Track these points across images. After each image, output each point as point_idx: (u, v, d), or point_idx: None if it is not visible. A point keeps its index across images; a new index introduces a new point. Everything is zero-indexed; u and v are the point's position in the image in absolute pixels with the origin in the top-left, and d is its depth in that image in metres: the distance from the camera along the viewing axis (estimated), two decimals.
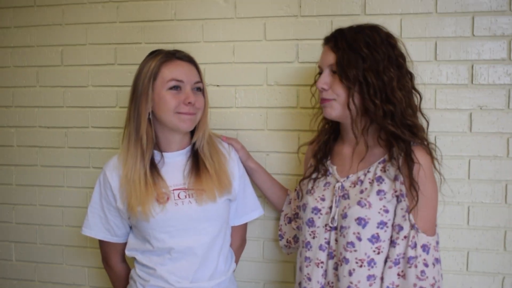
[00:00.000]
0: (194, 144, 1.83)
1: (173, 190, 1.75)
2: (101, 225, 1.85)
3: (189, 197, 1.75)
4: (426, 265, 1.52)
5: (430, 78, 2.01)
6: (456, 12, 1.98)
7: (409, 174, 1.54)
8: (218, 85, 2.19)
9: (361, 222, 1.56)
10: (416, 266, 1.52)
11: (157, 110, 1.72)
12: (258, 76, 2.16)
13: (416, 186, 1.52)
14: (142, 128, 1.71)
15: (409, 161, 1.54)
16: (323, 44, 1.71)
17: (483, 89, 1.98)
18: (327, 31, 2.01)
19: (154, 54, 1.77)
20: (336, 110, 1.63)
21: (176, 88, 1.71)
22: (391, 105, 1.56)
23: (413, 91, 1.65)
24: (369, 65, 1.55)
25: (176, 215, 1.72)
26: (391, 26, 1.95)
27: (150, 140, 1.74)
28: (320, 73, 1.71)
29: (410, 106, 1.60)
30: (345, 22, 1.95)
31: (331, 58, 1.62)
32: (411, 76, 1.65)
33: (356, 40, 1.58)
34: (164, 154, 1.80)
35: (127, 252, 1.86)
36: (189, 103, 1.70)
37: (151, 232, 1.73)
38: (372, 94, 1.56)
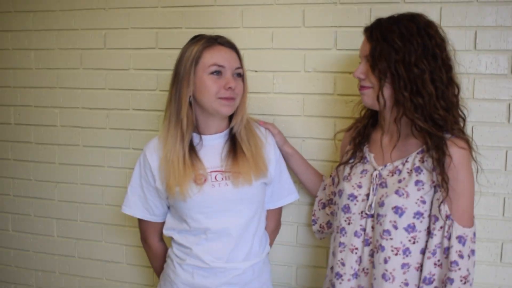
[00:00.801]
0: (232, 128, 1.86)
1: (211, 172, 1.79)
2: (140, 204, 1.91)
3: (225, 179, 1.78)
4: (461, 256, 1.52)
5: (469, 68, 1.99)
6: (497, 1, 1.95)
7: (441, 166, 1.54)
8: (256, 71, 2.21)
9: (398, 211, 1.57)
10: (448, 257, 1.53)
11: (198, 94, 1.75)
12: (296, 63, 2.17)
13: (446, 178, 1.53)
14: (183, 111, 1.75)
15: (441, 154, 1.55)
16: (363, 33, 1.72)
17: None
18: (366, 19, 2.04)
19: (196, 39, 1.80)
20: (372, 98, 1.65)
21: (217, 73, 1.74)
22: (420, 97, 1.56)
23: (452, 82, 1.63)
24: (401, 57, 1.55)
25: (212, 197, 1.76)
26: (431, 14, 1.92)
27: (190, 123, 1.78)
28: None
29: (443, 98, 1.59)
30: (385, 10, 1.96)
31: (366, 48, 1.64)
32: (449, 67, 1.63)
33: (391, 31, 1.58)
34: (203, 137, 1.84)
35: (165, 232, 1.91)
36: (229, 88, 1.73)
37: (187, 212, 1.77)
38: (402, 86, 1.57)
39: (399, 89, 1.57)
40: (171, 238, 1.89)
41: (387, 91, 1.61)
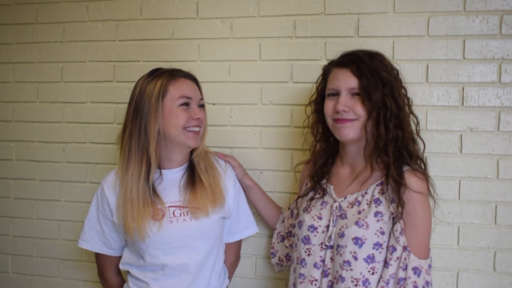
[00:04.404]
0: (191, 160, 1.86)
1: (169, 207, 1.78)
2: (97, 238, 1.88)
3: (184, 215, 1.77)
4: (416, 287, 1.54)
5: (421, 100, 2.03)
6: (447, 36, 2.02)
7: (399, 197, 1.57)
8: (214, 104, 2.22)
9: (358, 242, 1.58)
10: None
11: (166, 126, 1.74)
12: (253, 95, 2.19)
13: (402, 202, 1.56)
14: (152, 145, 1.73)
15: (400, 186, 1.58)
16: (334, 67, 1.72)
17: (474, 111, 2.01)
18: (320, 52, 2.07)
19: (156, 73, 1.79)
20: (355, 130, 1.65)
21: (186, 104, 1.75)
22: (400, 130, 1.62)
23: (413, 115, 1.71)
24: (388, 90, 1.61)
25: (170, 233, 1.74)
26: (384, 48, 1.99)
27: (157, 158, 1.77)
28: (321, 95, 1.76)
29: (411, 131, 1.68)
30: (339, 44, 2.02)
31: (353, 81, 1.63)
32: (408, 100, 1.70)
33: (375, 66, 1.63)
34: (163, 171, 1.83)
35: (121, 266, 1.88)
36: (197, 118, 1.75)
37: (145, 248, 1.75)
38: (388, 118, 1.60)
39: (385, 121, 1.60)
40: (128, 272, 1.87)
41: (369, 124, 1.63)
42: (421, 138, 1.72)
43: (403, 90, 1.69)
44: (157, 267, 1.77)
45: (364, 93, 1.61)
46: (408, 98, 1.70)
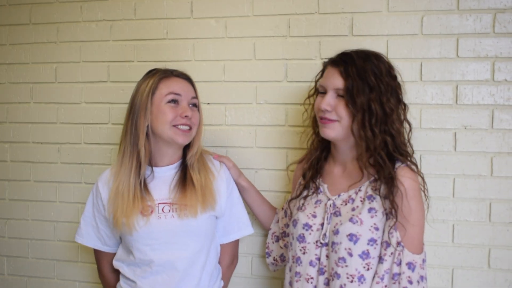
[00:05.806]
0: (184, 159, 1.87)
1: (158, 203, 1.79)
2: (93, 234, 1.92)
3: (172, 211, 1.78)
4: (410, 282, 1.55)
5: (415, 98, 2.04)
6: (441, 34, 2.02)
7: (392, 194, 1.58)
8: (208, 103, 2.22)
9: (353, 238, 1.59)
10: (399, 283, 1.55)
11: (155, 122, 1.76)
12: (248, 95, 2.19)
13: (396, 206, 1.56)
14: (141, 141, 1.76)
15: (393, 183, 1.58)
16: (328, 65, 1.72)
17: (468, 109, 2.02)
18: (315, 51, 2.07)
19: (152, 72, 1.84)
20: (336, 131, 1.65)
21: (174, 101, 1.77)
22: (389, 136, 1.61)
23: (406, 121, 1.72)
24: (375, 95, 1.59)
25: (158, 229, 1.75)
26: (378, 47, 1.99)
27: (147, 153, 1.80)
28: (318, 91, 1.74)
29: (402, 135, 1.67)
30: (333, 43, 2.02)
31: (339, 82, 1.63)
32: (404, 106, 1.70)
33: (365, 69, 1.60)
34: (155, 168, 1.85)
35: (114, 263, 1.90)
36: (185, 116, 1.76)
37: (133, 243, 1.77)
38: (373, 123, 1.59)
39: (370, 125, 1.60)
40: (120, 271, 1.88)
41: (355, 127, 1.62)
42: (411, 146, 1.74)
43: (399, 95, 1.68)
44: (145, 264, 1.78)
45: (348, 95, 1.61)
46: (404, 104, 1.70)
